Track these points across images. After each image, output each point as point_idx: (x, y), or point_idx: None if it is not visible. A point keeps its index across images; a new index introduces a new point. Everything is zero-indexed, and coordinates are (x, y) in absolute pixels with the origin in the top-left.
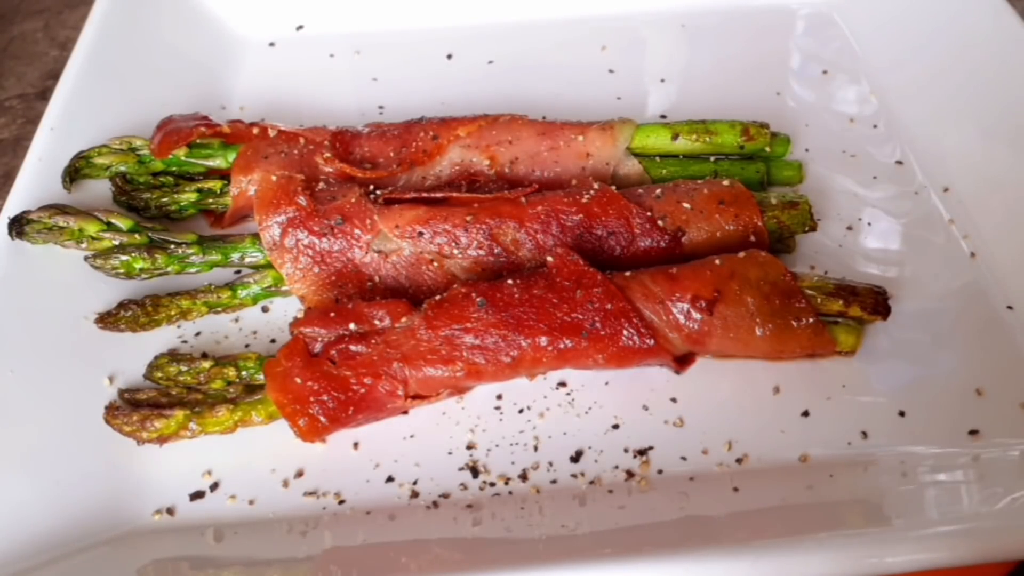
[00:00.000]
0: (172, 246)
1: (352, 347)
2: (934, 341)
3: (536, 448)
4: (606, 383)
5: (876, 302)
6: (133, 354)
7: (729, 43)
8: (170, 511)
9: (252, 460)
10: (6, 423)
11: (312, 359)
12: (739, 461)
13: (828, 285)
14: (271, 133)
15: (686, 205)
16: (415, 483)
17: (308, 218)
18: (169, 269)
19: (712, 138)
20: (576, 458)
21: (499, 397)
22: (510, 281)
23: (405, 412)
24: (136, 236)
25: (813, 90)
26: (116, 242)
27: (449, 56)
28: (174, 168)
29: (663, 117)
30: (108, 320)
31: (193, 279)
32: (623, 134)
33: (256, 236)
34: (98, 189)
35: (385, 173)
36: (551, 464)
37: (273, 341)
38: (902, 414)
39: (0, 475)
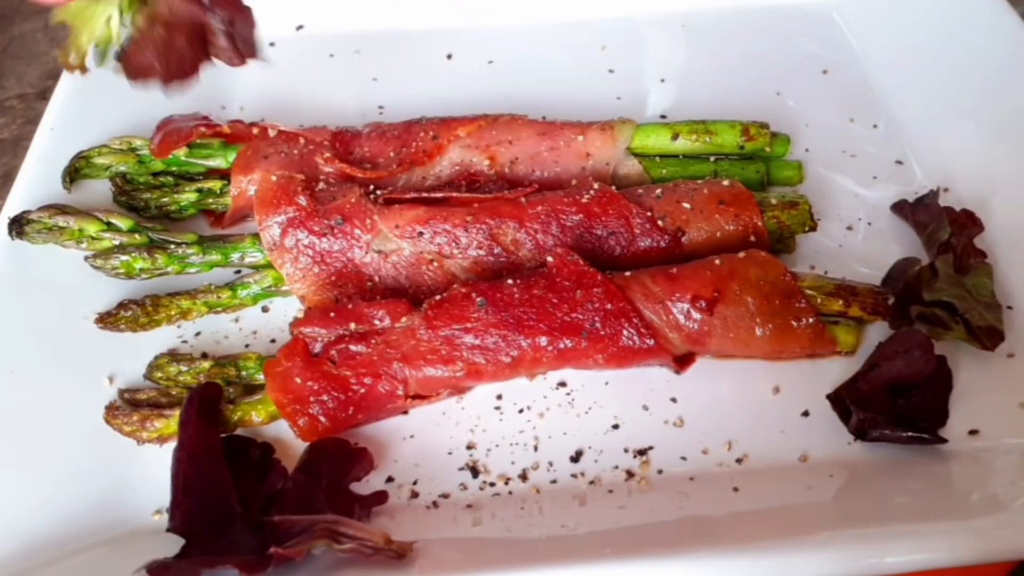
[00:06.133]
0: (172, 246)
1: (352, 347)
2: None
3: (536, 448)
4: (606, 383)
5: (876, 302)
6: (133, 354)
7: (729, 43)
8: None
9: None
10: (6, 423)
11: (312, 359)
12: (739, 461)
13: (828, 285)
14: (271, 133)
15: (686, 205)
16: (415, 483)
17: (308, 218)
18: (169, 269)
19: (712, 138)
20: (576, 458)
21: (499, 397)
22: (510, 281)
23: (405, 412)
24: (136, 236)
25: (813, 90)
26: (116, 242)
27: (449, 56)
28: (174, 168)
29: (663, 117)
30: (108, 320)
31: (193, 279)
32: (623, 134)
33: (256, 236)
34: (98, 189)
35: (385, 173)
36: (551, 464)
37: (273, 341)
38: None
39: (0, 475)
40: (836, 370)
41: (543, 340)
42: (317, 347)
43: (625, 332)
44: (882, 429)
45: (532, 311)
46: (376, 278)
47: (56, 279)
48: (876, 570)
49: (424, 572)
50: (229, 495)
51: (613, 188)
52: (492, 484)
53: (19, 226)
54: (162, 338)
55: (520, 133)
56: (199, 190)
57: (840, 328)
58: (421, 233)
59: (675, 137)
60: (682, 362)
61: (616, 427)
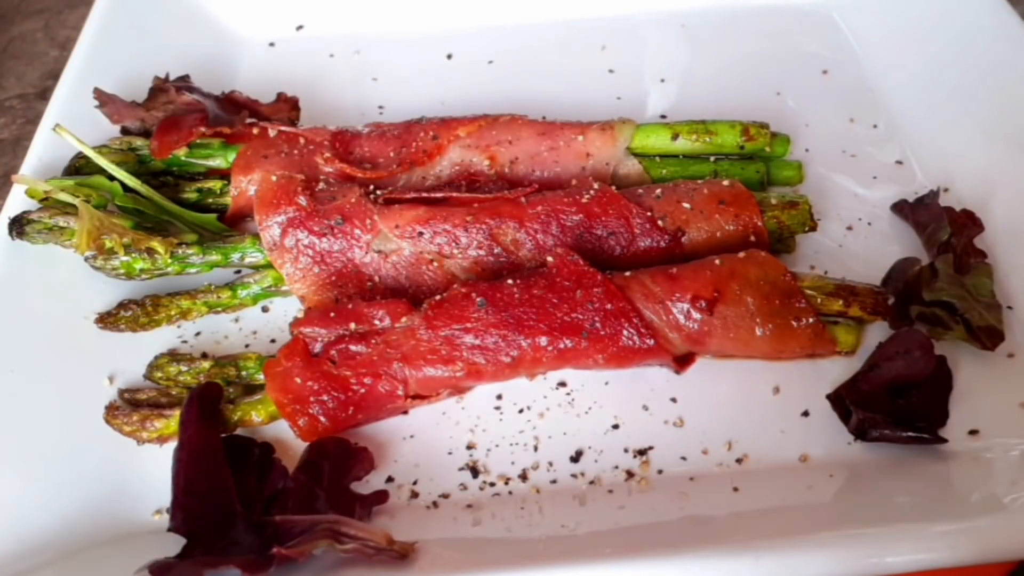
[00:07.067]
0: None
1: (352, 347)
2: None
3: (536, 448)
4: (606, 383)
5: (876, 302)
6: (133, 354)
7: (729, 43)
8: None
9: None
10: (6, 423)
11: (312, 359)
12: (739, 461)
13: (828, 285)
14: (271, 133)
15: (686, 205)
16: (415, 483)
17: (308, 218)
18: (169, 269)
19: (712, 138)
20: (576, 458)
21: (499, 397)
22: (510, 281)
23: (405, 412)
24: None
25: (813, 90)
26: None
27: (449, 56)
28: (174, 168)
29: (663, 117)
30: (108, 320)
31: (193, 279)
32: (623, 134)
33: (256, 236)
34: None
35: (385, 173)
36: (551, 464)
37: (273, 341)
38: None
39: (0, 475)
40: (836, 370)
41: (543, 340)
42: (317, 347)
43: (625, 332)
44: (882, 429)
45: (532, 311)
46: (376, 278)
47: (56, 279)
48: (876, 570)
49: (424, 572)
50: (230, 495)
51: (613, 188)
52: (492, 484)
53: (19, 226)
54: (162, 338)
55: (520, 133)
56: (199, 190)
57: (840, 328)
58: (421, 233)
59: (675, 137)
60: (682, 362)
61: (616, 427)
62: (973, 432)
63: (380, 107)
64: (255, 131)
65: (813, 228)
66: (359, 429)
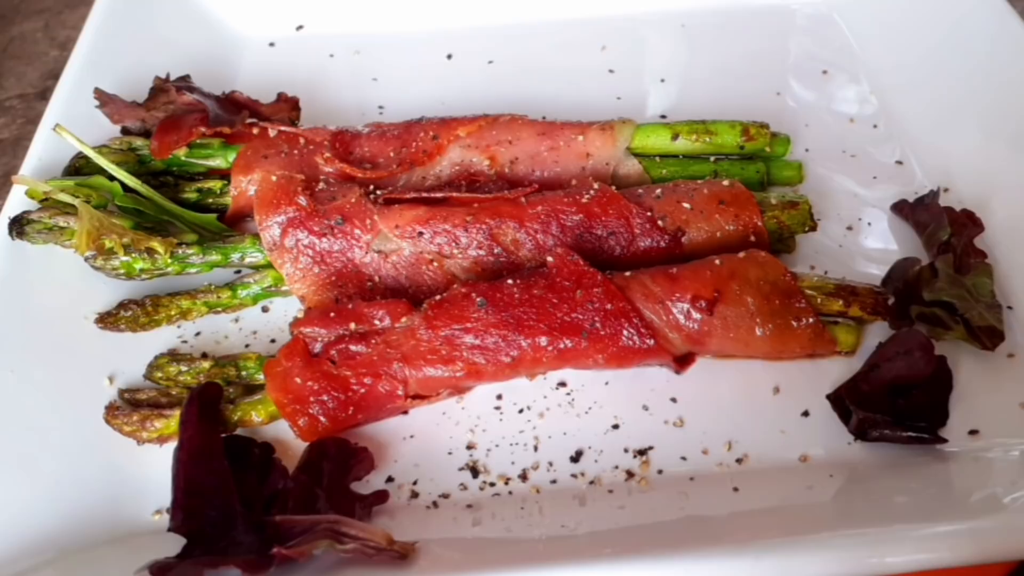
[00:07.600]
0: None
1: (352, 347)
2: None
3: (536, 448)
4: (606, 383)
5: (876, 302)
6: (133, 354)
7: (729, 43)
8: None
9: None
10: (6, 423)
11: (312, 359)
12: (739, 461)
13: (828, 285)
14: (271, 133)
15: (686, 205)
16: (415, 483)
17: (308, 218)
18: (169, 269)
19: (712, 138)
20: (576, 458)
21: (499, 397)
22: (510, 281)
23: (405, 412)
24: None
25: (813, 90)
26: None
27: (449, 56)
28: (174, 168)
29: (663, 117)
30: (108, 320)
31: (193, 279)
32: (623, 134)
33: (256, 236)
34: None
35: (385, 173)
36: (551, 464)
37: (273, 341)
38: None
39: (0, 475)
40: (836, 370)
41: (543, 340)
42: (317, 347)
43: (625, 332)
44: (882, 429)
45: (532, 311)
46: (376, 278)
47: (56, 279)
48: (876, 570)
49: (424, 572)
50: (231, 495)
51: (613, 188)
52: (492, 484)
53: (19, 226)
54: (162, 338)
55: (520, 133)
56: (199, 190)
57: (840, 328)
58: (421, 233)
59: (675, 137)
60: (682, 362)
61: (616, 427)
62: (973, 432)
63: (380, 107)
64: (255, 131)
65: (813, 228)
66: (359, 429)
